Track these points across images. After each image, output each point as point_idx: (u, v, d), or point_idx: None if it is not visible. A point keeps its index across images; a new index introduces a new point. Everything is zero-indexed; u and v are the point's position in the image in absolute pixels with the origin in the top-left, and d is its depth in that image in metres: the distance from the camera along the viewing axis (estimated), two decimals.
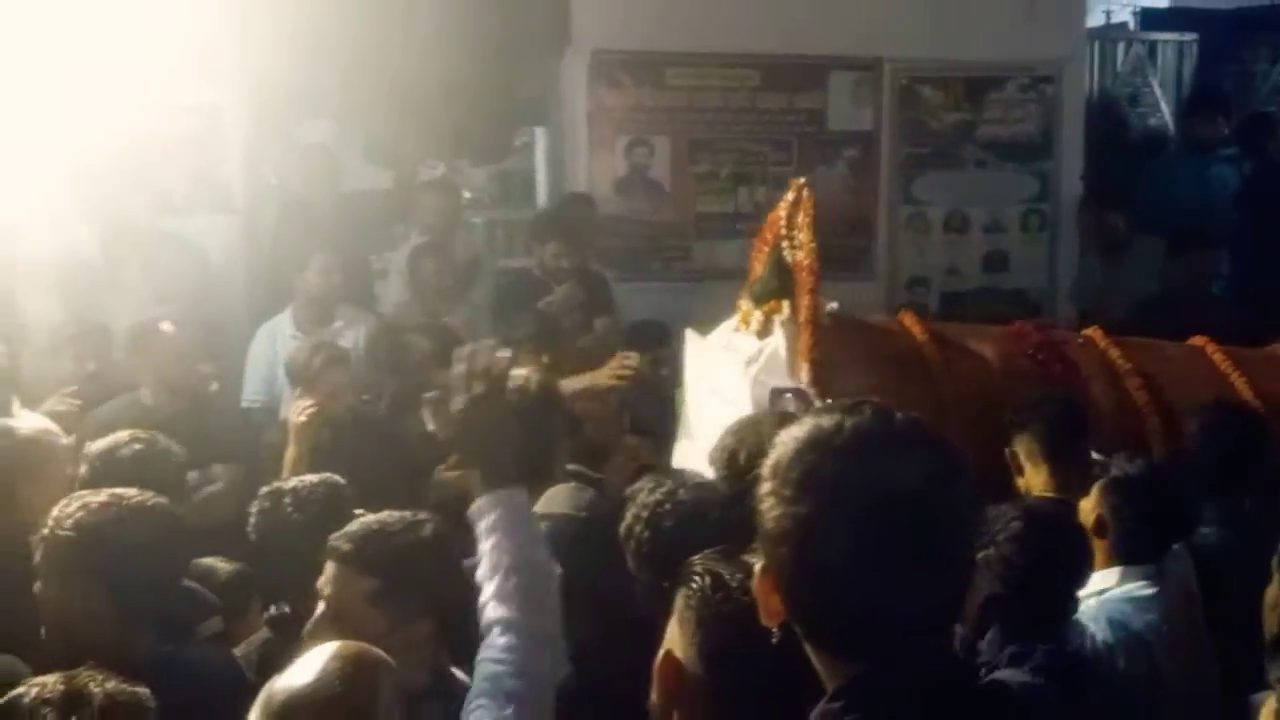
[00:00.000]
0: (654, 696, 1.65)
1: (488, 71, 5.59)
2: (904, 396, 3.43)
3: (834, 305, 3.89)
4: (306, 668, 1.83)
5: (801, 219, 3.86)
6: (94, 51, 5.11)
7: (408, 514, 2.41)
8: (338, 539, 2.35)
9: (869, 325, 4.11)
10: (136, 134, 5.38)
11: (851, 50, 6.15)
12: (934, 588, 1.38)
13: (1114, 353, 3.92)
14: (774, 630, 1.44)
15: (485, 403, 2.08)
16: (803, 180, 4.07)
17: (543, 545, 2.11)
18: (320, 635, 2.18)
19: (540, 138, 6.36)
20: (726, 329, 4.10)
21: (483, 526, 2.06)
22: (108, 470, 3.14)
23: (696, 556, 1.70)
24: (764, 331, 3.88)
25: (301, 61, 5.46)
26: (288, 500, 2.94)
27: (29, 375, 4.54)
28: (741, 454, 2.77)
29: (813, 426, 1.38)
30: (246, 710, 1.89)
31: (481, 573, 2.04)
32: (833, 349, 3.65)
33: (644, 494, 2.66)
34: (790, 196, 3.89)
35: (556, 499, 3.01)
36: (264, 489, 3.05)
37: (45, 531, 2.49)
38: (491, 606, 2.01)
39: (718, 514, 2.56)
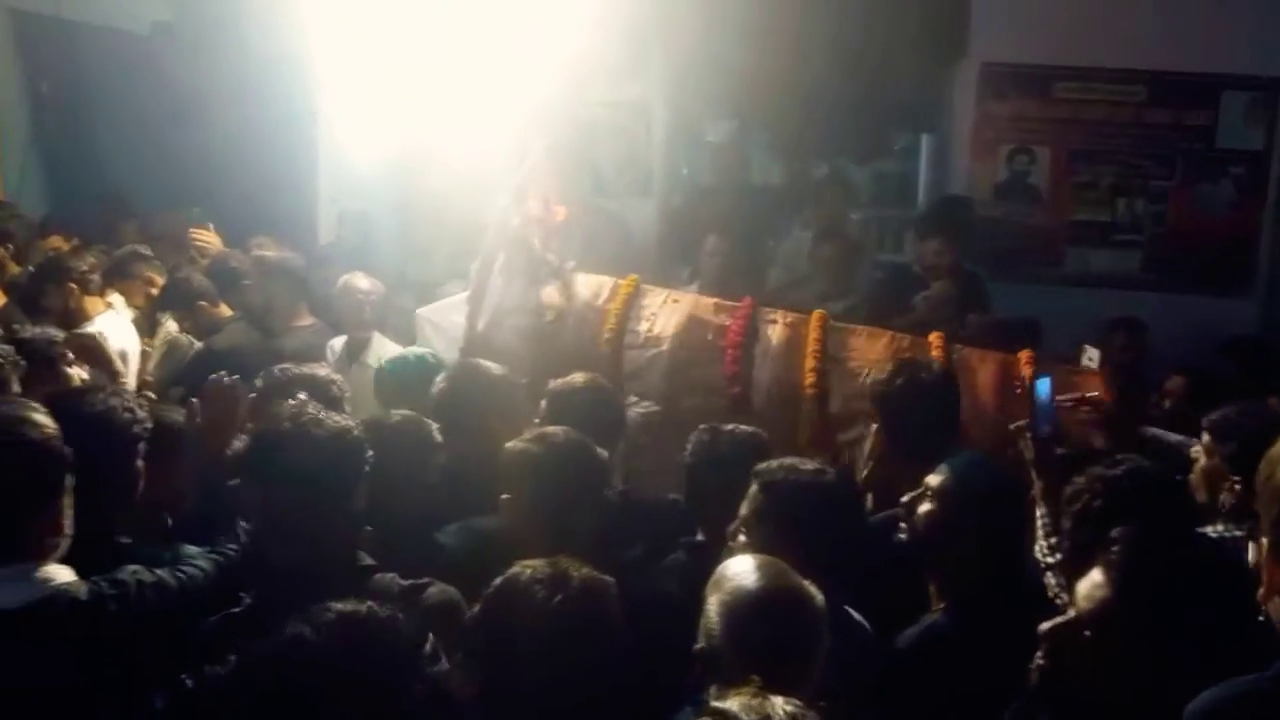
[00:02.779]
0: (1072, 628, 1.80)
1: (879, 79, 5.87)
2: (549, 340, 3.95)
3: (570, 264, 4.13)
4: (754, 568, 2.02)
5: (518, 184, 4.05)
6: (548, 53, 5.79)
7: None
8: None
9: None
10: (579, 123, 6.04)
11: (1247, 69, 5.94)
12: None
13: (814, 335, 3.86)
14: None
15: None
16: (544, 145, 4.22)
17: None
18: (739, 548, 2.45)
19: (925, 142, 6.56)
20: None
21: None
22: (563, 408, 3.34)
23: (1122, 528, 1.87)
24: None
25: (717, 67, 5.96)
26: (724, 439, 3.11)
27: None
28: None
29: None
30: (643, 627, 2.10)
31: None
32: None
33: (1101, 467, 2.66)
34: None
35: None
36: (703, 425, 3.20)
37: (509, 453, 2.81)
38: None
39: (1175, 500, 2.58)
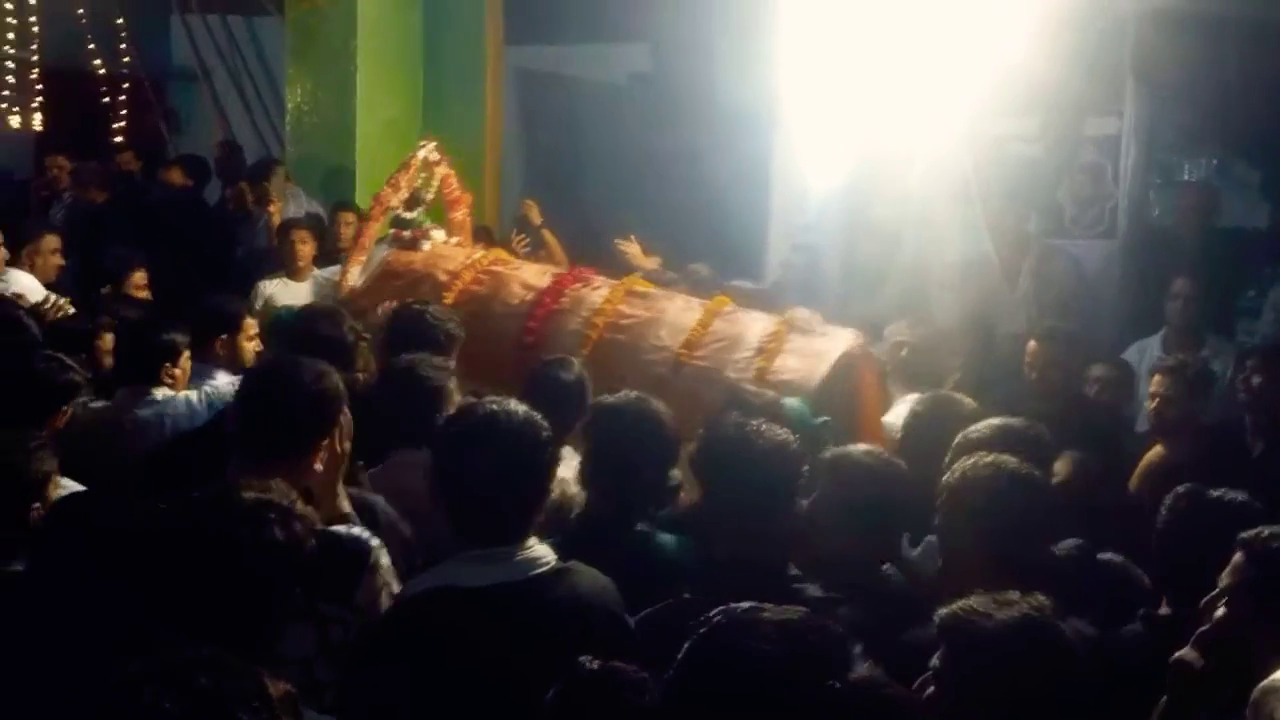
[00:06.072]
0: None
1: None
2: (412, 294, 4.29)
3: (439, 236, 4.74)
4: None
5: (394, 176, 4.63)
6: (1018, 92, 5.52)
7: None
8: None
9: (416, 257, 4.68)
10: (1042, 161, 5.71)
11: None
12: None
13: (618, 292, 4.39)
14: None
15: None
16: (429, 143, 4.77)
17: None
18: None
19: None
20: None
21: None
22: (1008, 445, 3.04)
23: None
24: None
25: (1201, 99, 5.40)
26: (1212, 505, 2.74)
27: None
28: None
29: None
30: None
31: None
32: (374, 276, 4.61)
33: None
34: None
35: None
36: (1183, 487, 2.82)
37: (947, 481, 2.66)
38: None
39: None
